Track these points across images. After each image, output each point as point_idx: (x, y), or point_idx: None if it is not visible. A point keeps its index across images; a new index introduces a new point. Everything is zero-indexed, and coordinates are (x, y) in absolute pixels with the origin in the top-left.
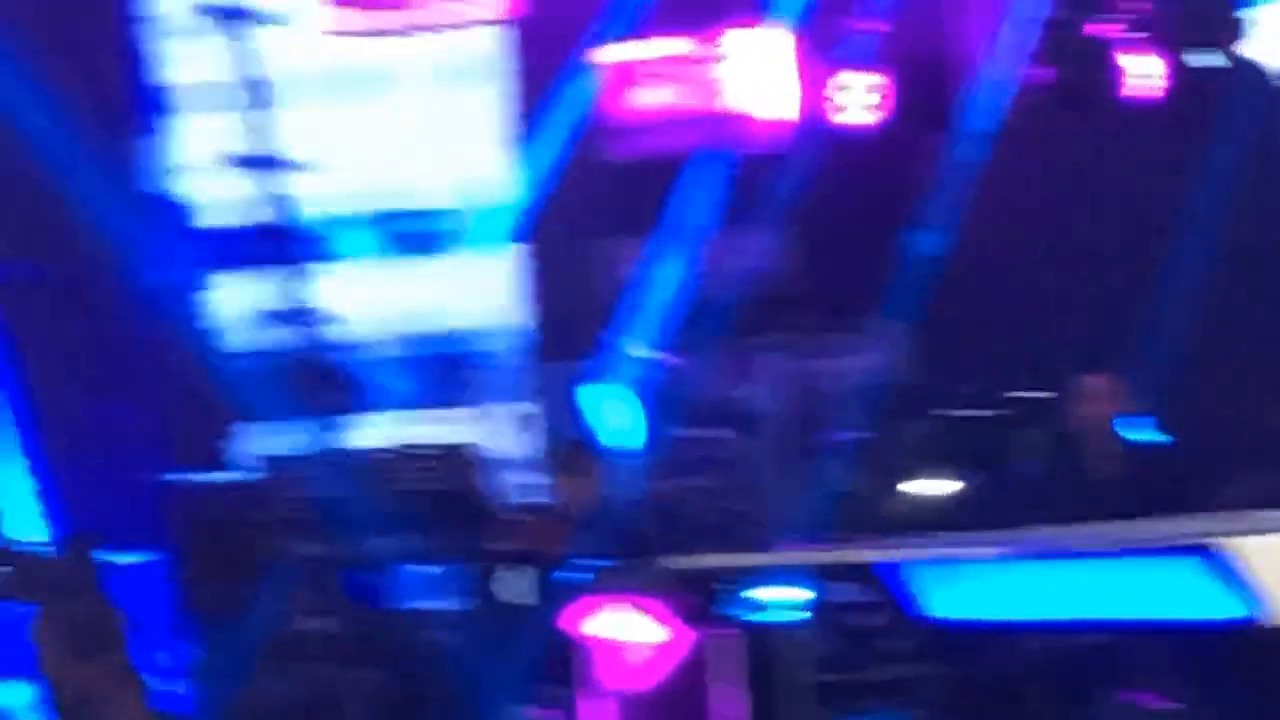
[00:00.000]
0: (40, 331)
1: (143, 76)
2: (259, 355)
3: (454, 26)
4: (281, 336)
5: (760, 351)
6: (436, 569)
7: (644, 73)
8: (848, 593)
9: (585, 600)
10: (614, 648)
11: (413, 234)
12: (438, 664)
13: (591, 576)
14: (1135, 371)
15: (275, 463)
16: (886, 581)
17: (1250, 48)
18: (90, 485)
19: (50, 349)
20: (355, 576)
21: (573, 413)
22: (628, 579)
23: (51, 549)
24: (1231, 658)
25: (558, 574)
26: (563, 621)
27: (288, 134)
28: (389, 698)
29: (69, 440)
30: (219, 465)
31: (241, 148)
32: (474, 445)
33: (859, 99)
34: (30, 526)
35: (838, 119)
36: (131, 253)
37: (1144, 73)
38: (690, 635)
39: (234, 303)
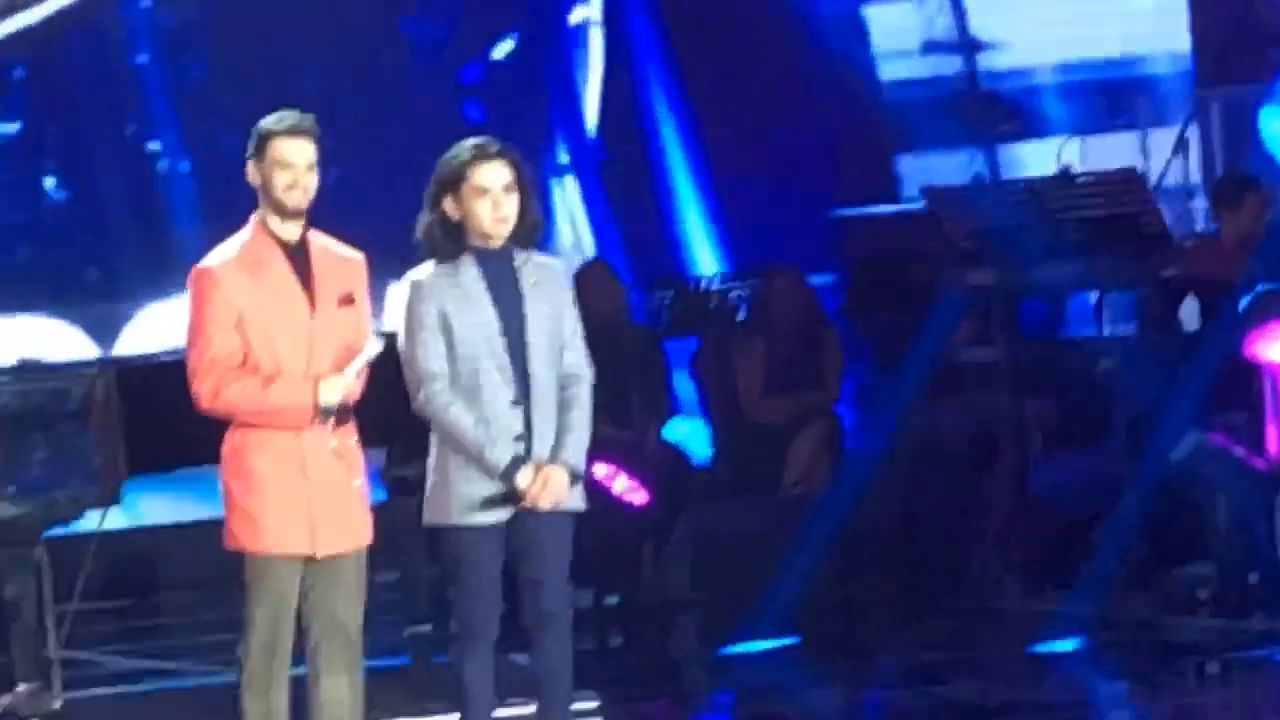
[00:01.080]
0: (709, 66)
1: None
2: (924, 84)
3: None
4: (944, 65)
5: None
6: (1106, 295)
7: None
8: None
9: (1256, 325)
10: None
11: None
12: (1108, 392)
13: (1261, 301)
14: None
15: (942, 192)
16: None
17: None
18: (760, 217)
19: (719, 80)
20: (1024, 305)
21: (1237, 136)
22: None
23: (723, 281)
24: None
25: (1227, 299)
26: (1235, 346)
27: None
28: (1060, 427)
29: (739, 171)
30: (887, 196)
31: None
32: (1141, 170)
33: None
34: (700, 261)
35: None
36: None
37: None
38: None
39: (895, 31)
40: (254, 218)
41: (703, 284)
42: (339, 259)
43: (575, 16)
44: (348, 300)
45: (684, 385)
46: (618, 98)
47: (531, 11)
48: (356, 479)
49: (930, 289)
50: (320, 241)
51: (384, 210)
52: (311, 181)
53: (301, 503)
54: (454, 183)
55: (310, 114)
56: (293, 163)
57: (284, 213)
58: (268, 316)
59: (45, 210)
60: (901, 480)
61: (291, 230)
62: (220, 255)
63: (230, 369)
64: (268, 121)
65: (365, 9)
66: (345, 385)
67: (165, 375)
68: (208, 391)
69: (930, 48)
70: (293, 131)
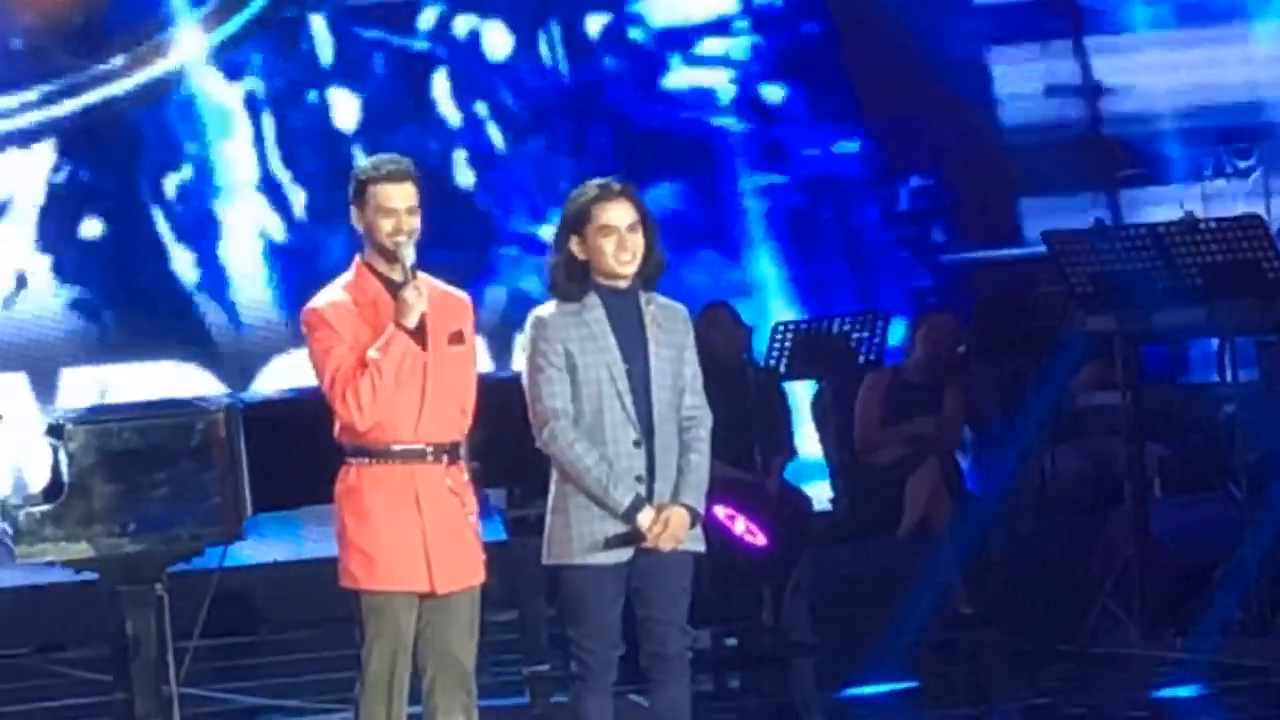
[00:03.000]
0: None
1: None
2: (1043, 129)
3: None
4: (1066, 110)
5: None
6: (1228, 341)
7: None
8: None
9: None
10: None
11: (1200, 4)
12: (1232, 438)
13: None
14: None
15: (1063, 236)
16: None
17: None
18: (879, 259)
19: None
20: (1145, 350)
21: None
22: None
23: (844, 323)
24: None
25: None
26: None
27: None
28: (1181, 472)
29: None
30: (1005, 240)
31: None
32: (1263, 217)
33: None
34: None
35: None
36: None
37: None
38: None
39: (1018, 76)
40: (357, 259)
41: (824, 325)
42: (446, 297)
43: None
44: (457, 339)
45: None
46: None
47: None
48: (470, 515)
49: (1051, 333)
50: (426, 281)
51: None
52: (414, 224)
53: (416, 540)
54: (579, 222)
55: (408, 158)
56: (394, 208)
57: (388, 256)
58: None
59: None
60: (1022, 524)
61: (396, 271)
62: (326, 297)
63: (349, 378)
64: (365, 167)
65: None
66: (415, 300)
67: (287, 414)
68: (349, 408)
69: (1052, 91)
70: (392, 176)
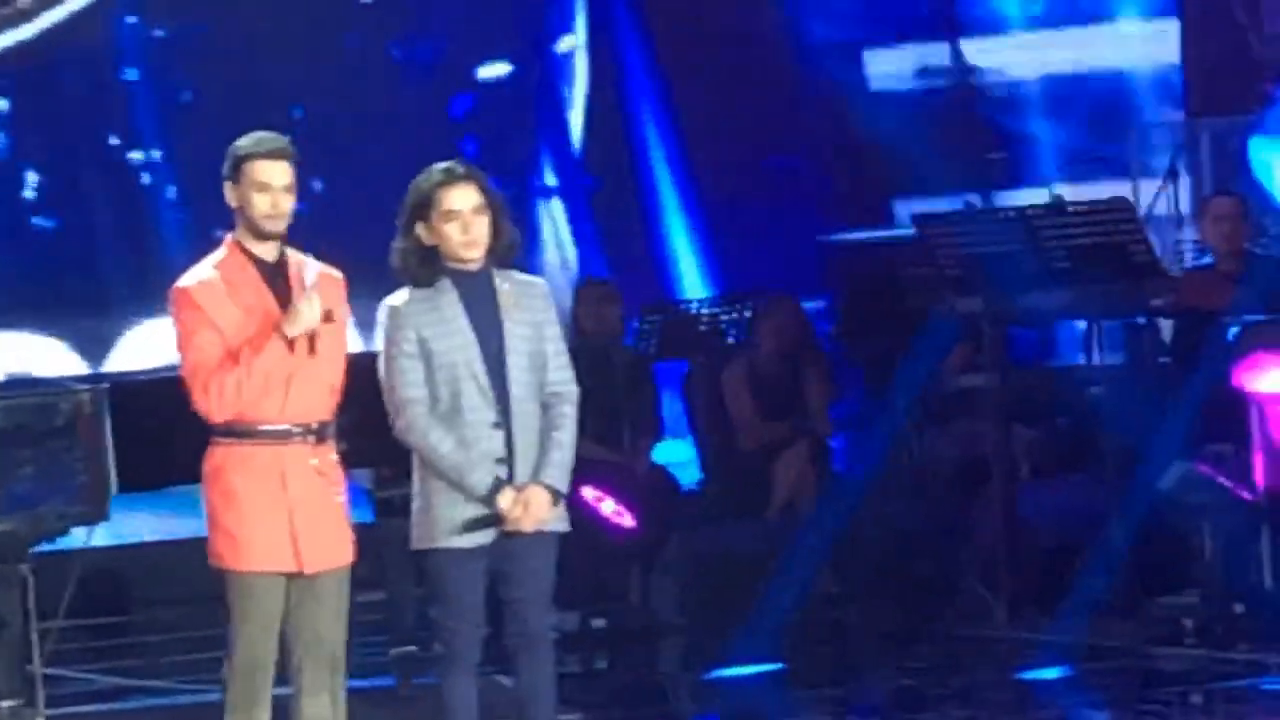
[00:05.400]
0: (701, 89)
1: None
2: (918, 116)
3: None
4: (940, 98)
5: None
6: (1095, 324)
7: None
8: None
9: (1249, 355)
10: (1276, 401)
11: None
12: (1098, 420)
13: (1249, 332)
14: None
15: (933, 219)
16: None
17: None
18: (750, 241)
19: (712, 106)
20: (1014, 332)
21: (1227, 168)
22: None
23: (713, 306)
24: None
25: (1217, 329)
26: (1223, 377)
27: None
28: (1048, 454)
29: (729, 196)
30: (878, 222)
31: None
32: (1130, 200)
33: None
34: (691, 284)
35: None
36: (797, 11)
37: None
38: None
39: (895, 64)
40: (229, 238)
41: (693, 307)
42: (319, 276)
43: (562, 45)
44: (327, 318)
45: (671, 408)
46: (606, 123)
47: (519, 38)
48: (338, 495)
49: (921, 315)
50: (297, 259)
51: (371, 232)
52: (289, 204)
53: (283, 519)
54: (424, 208)
55: (286, 136)
56: (271, 184)
57: (261, 235)
58: (246, 336)
59: (33, 228)
60: (890, 505)
61: (269, 250)
62: (196, 276)
63: (213, 370)
64: (244, 144)
65: (355, 32)
66: (308, 314)
67: (154, 393)
68: (208, 399)
69: (924, 74)
70: (270, 154)
